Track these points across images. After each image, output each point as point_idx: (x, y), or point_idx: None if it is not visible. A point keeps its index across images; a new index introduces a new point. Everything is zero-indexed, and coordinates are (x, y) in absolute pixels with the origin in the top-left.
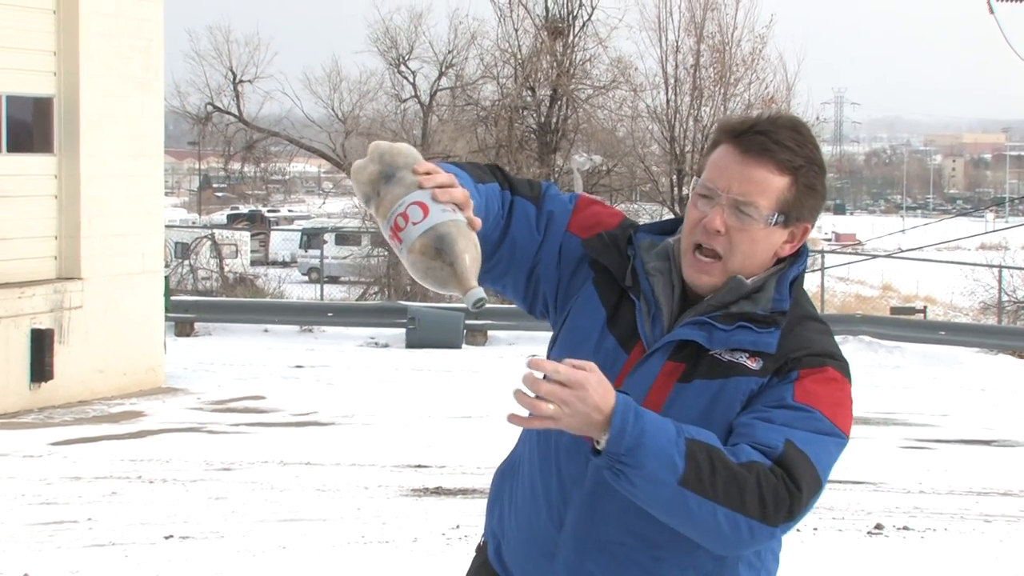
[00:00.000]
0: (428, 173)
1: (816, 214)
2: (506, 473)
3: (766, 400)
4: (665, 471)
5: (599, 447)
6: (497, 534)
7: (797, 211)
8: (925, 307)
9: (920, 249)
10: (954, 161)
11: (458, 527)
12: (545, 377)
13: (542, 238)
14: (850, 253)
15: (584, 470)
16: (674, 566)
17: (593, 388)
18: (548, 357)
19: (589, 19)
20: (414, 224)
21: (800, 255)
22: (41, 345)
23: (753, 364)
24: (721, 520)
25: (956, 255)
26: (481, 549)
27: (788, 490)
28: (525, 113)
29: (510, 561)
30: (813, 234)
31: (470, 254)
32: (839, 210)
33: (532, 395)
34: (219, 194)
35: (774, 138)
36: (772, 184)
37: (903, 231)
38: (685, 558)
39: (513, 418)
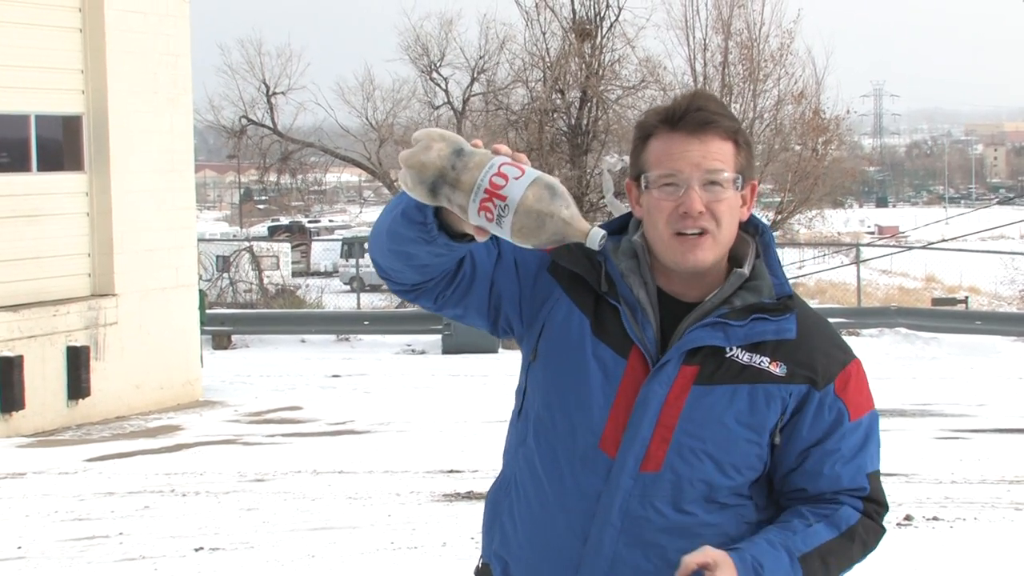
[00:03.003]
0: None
1: (756, 169)
2: (499, 494)
3: (827, 429)
4: None
5: None
6: (502, 555)
7: (748, 171)
8: (967, 297)
9: (960, 239)
10: (996, 150)
11: None
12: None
13: (497, 251)
14: (890, 245)
15: (605, 480)
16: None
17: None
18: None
19: (616, 20)
20: (516, 179)
21: (764, 232)
22: (77, 362)
23: (776, 369)
24: (846, 571)
25: (999, 244)
26: (482, 572)
27: (879, 514)
28: (555, 116)
29: None
30: (855, 227)
31: (573, 201)
32: (881, 203)
33: None
34: (260, 206)
35: (711, 110)
36: (726, 151)
37: (946, 222)
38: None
39: None
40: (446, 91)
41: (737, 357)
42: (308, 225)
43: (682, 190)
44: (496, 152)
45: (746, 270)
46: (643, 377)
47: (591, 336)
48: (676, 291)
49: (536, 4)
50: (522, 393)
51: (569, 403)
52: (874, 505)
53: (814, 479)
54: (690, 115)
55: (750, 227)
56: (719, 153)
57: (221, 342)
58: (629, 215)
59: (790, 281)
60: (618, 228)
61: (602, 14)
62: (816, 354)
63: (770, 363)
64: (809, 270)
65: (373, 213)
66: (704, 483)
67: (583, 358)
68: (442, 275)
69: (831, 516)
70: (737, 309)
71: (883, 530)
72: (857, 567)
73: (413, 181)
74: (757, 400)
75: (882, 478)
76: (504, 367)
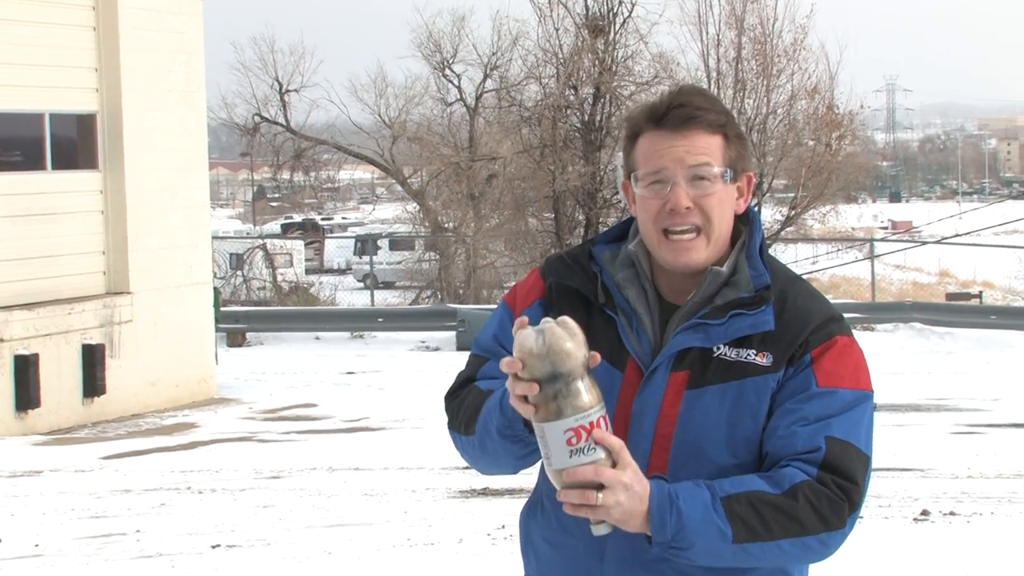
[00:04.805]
0: None
1: (751, 160)
2: (530, 514)
3: (793, 393)
4: (716, 540)
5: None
6: None
7: (740, 162)
8: (981, 292)
9: (974, 234)
10: (1009, 144)
11: (503, 527)
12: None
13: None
14: (904, 240)
15: None
16: (719, 573)
17: (633, 483)
18: None
19: (629, 16)
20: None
21: (752, 222)
22: (92, 360)
23: (763, 360)
24: (788, 549)
25: (1013, 239)
26: None
27: (841, 488)
28: (568, 112)
29: None
30: (868, 222)
31: None
32: (894, 198)
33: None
34: (273, 204)
35: (694, 105)
36: (712, 145)
37: (960, 216)
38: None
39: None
40: (459, 88)
41: (725, 355)
42: (321, 222)
43: (668, 187)
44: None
45: (724, 268)
46: (638, 387)
47: None
48: (676, 295)
49: (549, 0)
50: None
51: None
52: (832, 474)
53: (771, 440)
54: (672, 112)
55: (742, 217)
56: (704, 148)
57: (236, 340)
58: (627, 221)
59: (804, 275)
60: (617, 236)
61: (615, 10)
62: (802, 335)
63: (757, 355)
64: (823, 265)
65: (386, 210)
66: None
67: None
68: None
69: (773, 476)
70: (718, 307)
71: (842, 504)
72: (872, 562)
73: (543, 358)
74: (747, 394)
75: (897, 473)
76: None
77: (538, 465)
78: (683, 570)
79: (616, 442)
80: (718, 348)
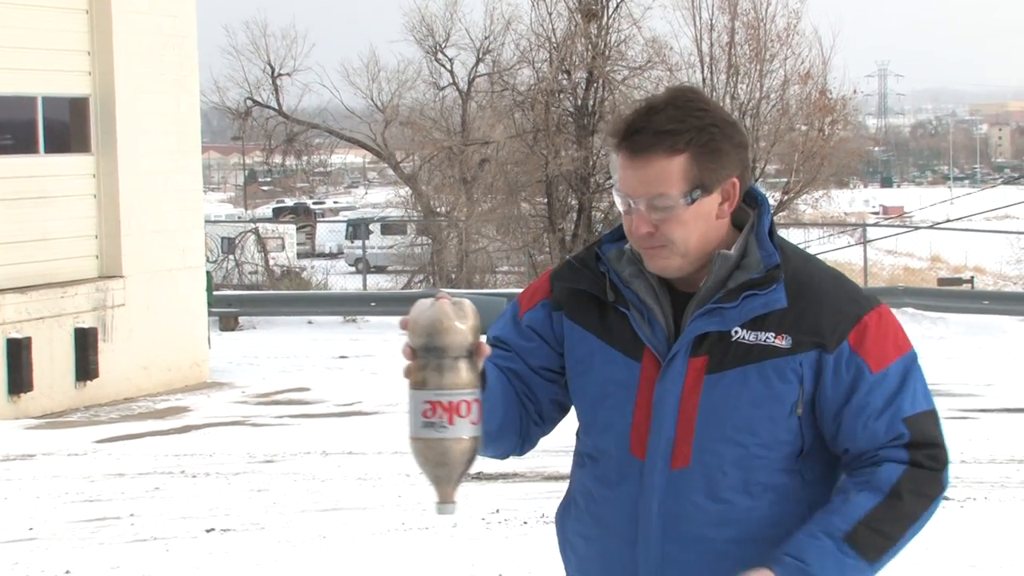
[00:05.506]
0: None
1: (736, 164)
2: (564, 514)
3: (851, 387)
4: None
5: None
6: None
7: (713, 175)
8: (972, 277)
9: (965, 219)
10: (1000, 130)
11: (498, 511)
12: None
13: (531, 344)
14: (896, 225)
15: (639, 483)
16: (754, 549)
17: None
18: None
19: (623, 0)
20: (471, 423)
21: (761, 204)
22: (85, 344)
23: (782, 342)
24: (917, 530)
25: (1004, 224)
26: None
27: (932, 457)
28: (561, 96)
29: None
30: (860, 208)
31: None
32: (886, 183)
33: None
34: (265, 188)
35: (652, 130)
36: (670, 170)
37: (951, 202)
38: (767, 532)
39: None
40: (451, 72)
41: (743, 339)
42: (313, 206)
43: (631, 212)
44: (479, 385)
45: (732, 251)
46: (657, 377)
47: (600, 349)
48: (687, 284)
49: None
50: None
51: (599, 421)
52: (921, 450)
53: (852, 439)
54: (630, 139)
55: (749, 199)
56: (660, 176)
57: (228, 324)
58: None
59: None
60: (621, 235)
61: None
62: (823, 315)
63: (775, 337)
64: (815, 251)
65: (378, 194)
66: (736, 468)
67: (598, 375)
68: (520, 421)
69: (871, 480)
70: (731, 290)
71: (940, 472)
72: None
73: (423, 330)
74: (768, 377)
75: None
76: None
77: (568, 466)
78: (716, 548)
79: None
80: (736, 332)
